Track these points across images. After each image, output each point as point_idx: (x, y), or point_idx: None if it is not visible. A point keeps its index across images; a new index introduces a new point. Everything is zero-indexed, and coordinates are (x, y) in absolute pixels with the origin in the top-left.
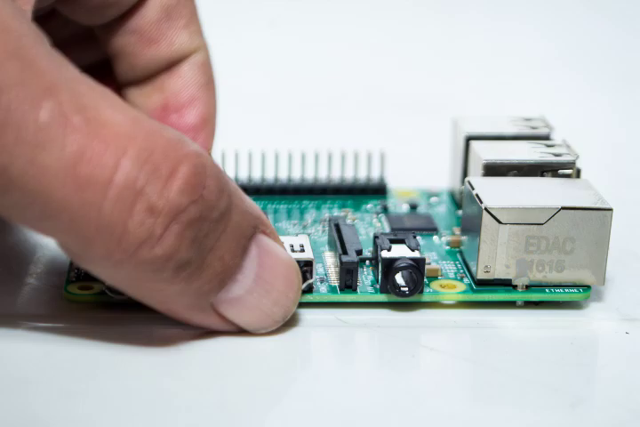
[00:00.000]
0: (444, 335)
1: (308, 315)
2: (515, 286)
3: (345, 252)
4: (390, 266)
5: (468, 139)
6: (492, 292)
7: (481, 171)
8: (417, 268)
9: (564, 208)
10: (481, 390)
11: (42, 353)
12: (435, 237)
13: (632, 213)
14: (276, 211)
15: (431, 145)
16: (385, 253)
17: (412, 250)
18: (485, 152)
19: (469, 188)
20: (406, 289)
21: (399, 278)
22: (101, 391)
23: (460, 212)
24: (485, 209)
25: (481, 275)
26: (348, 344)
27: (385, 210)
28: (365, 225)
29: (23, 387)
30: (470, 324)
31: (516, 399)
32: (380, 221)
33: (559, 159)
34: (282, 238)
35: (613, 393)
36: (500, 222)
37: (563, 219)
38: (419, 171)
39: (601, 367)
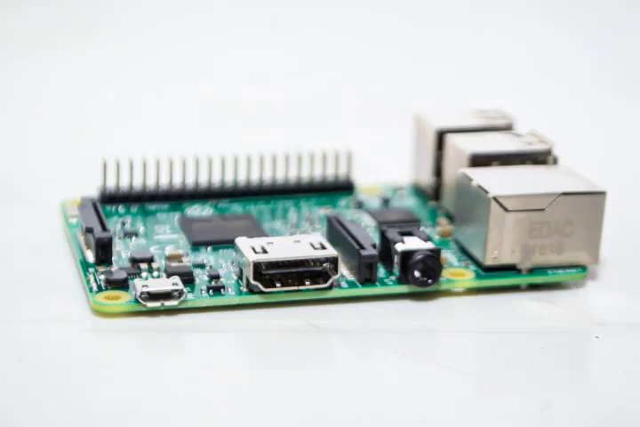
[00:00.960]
0: (414, 340)
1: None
2: (519, 270)
3: (362, 246)
4: (409, 258)
5: (440, 133)
6: (499, 277)
7: (466, 162)
8: (436, 258)
9: (564, 194)
10: (450, 394)
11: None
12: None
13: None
14: (260, 212)
15: (386, 142)
16: (401, 246)
17: (425, 241)
18: (468, 144)
19: (466, 179)
20: (428, 279)
21: (418, 269)
22: (133, 401)
23: (433, 203)
24: (494, 198)
25: (489, 261)
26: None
27: (360, 206)
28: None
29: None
30: (441, 328)
31: (486, 404)
32: (362, 217)
33: (538, 148)
34: (297, 237)
35: (584, 398)
36: (506, 210)
37: (562, 204)
38: (379, 167)
39: (571, 372)
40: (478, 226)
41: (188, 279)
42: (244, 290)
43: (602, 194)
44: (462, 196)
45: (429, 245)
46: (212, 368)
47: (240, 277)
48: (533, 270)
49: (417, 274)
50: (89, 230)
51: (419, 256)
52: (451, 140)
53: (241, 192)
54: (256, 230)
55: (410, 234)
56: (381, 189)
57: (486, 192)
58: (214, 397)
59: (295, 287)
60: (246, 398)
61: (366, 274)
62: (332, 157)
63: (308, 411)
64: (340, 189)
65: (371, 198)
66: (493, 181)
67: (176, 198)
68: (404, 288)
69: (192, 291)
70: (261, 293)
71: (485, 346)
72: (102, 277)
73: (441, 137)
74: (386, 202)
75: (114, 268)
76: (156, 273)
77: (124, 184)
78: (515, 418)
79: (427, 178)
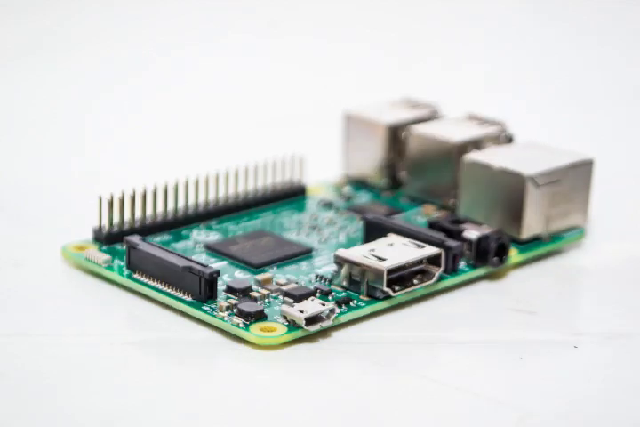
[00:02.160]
0: (390, 350)
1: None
2: (543, 239)
3: (436, 239)
4: (482, 243)
5: (394, 128)
6: (534, 248)
7: (452, 151)
8: (506, 238)
9: (571, 164)
10: (427, 403)
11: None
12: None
13: None
14: (255, 227)
15: (302, 141)
16: (470, 234)
17: (480, 225)
18: (444, 135)
19: (481, 165)
20: (503, 258)
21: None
22: None
23: (388, 193)
24: (529, 177)
25: (526, 235)
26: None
27: (330, 206)
28: (344, 222)
29: None
30: (421, 340)
31: (463, 413)
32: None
33: (496, 129)
34: (382, 242)
35: (560, 407)
36: (537, 186)
37: (570, 174)
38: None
39: (550, 381)
40: (507, 205)
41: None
42: (365, 299)
43: (591, 162)
44: (477, 181)
45: (490, 228)
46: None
47: (347, 289)
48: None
49: (495, 256)
50: (187, 269)
51: (494, 240)
52: (420, 131)
53: (222, 211)
54: (290, 243)
55: (458, 222)
56: (326, 189)
57: (517, 173)
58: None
59: (413, 287)
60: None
61: (453, 264)
62: (278, 164)
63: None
64: (297, 193)
65: (330, 198)
66: (508, 162)
67: (169, 227)
68: (482, 271)
69: None
70: (386, 298)
71: (464, 355)
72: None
73: (394, 131)
74: (348, 199)
75: (240, 301)
76: (265, 299)
77: (115, 221)
78: None
79: (375, 171)
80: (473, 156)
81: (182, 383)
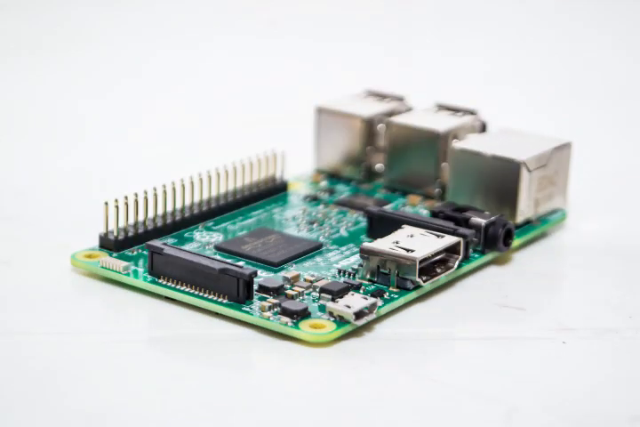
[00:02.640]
0: (381, 347)
1: None
2: (533, 222)
3: (447, 228)
4: (490, 229)
5: (369, 121)
6: (528, 231)
7: (436, 141)
8: (508, 224)
9: (554, 148)
10: (414, 398)
11: None
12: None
13: None
14: (250, 226)
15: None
16: (478, 221)
17: (482, 212)
18: (428, 125)
19: (471, 153)
20: (508, 242)
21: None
22: None
23: (365, 185)
24: (523, 163)
25: (520, 220)
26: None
27: (316, 200)
28: (337, 216)
29: None
30: (410, 336)
31: (450, 408)
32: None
33: (474, 117)
34: (402, 233)
35: (548, 401)
36: (529, 171)
37: (553, 158)
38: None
39: (538, 376)
40: (500, 191)
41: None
42: (395, 290)
43: (570, 145)
44: (467, 169)
45: (494, 215)
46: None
47: (373, 281)
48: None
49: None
50: (223, 271)
51: (501, 225)
52: (398, 123)
53: (215, 211)
54: (298, 239)
55: (462, 210)
56: (303, 184)
57: (511, 159)
58: None
59: (438, 276)
60: None
61: (466, 252)
62: (261, 162)
63: None
64: (280, 189)
65: (312, 193)
66: (497, 149)
67: (170, 231)
68: (489, 256)
69: None
70: (416, 288)
71: (452, 352)
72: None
73: (371, 124)
74: (332, 193)
75: (281, 300)
76: (300, 297)
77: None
78: (479, 422)
79: (351, 164)
80: (462, 144)
81: (247, 384)
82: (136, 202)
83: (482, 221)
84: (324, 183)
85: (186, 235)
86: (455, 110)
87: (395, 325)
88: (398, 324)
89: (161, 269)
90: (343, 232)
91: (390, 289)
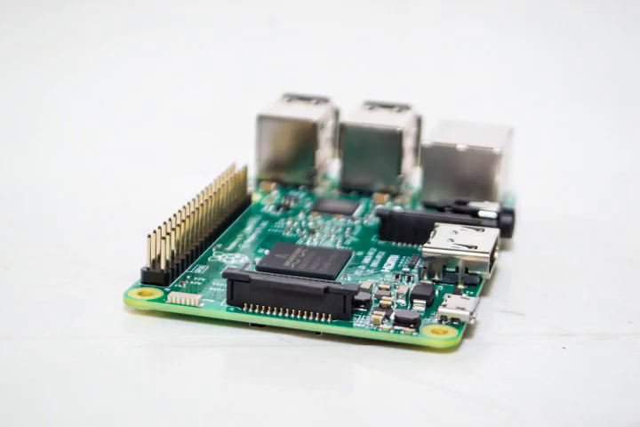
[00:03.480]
0: (372, 350)
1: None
2: None
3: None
4: (501, 218)
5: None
6: None
7: (397, 138)
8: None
9: (507, 135)
10: (412, 405)
11: None
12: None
13: None
14: (253, 244)
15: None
16: (487, 213)
17: (482, 202)
18: (385, 123)
19: (441, 145)
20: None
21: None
22: None
23: (318, 189)
24: (499, 151)
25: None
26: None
27: (291, 210)
28: (328, 222)
29: None
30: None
31: (449, 413)
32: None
33: (414, 112)
34: (442, 237)
35: (548, 407)
36: (501, 158)
37: (507, 143)
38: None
39: (537, 382)
40: (476, 182)
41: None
42: (463, 287)
43: (513, 129)
44: (440, 163)
45: (494, 205)
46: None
47: (438, 281)
48: None
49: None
50: (327, 290)
51: (509, 214)
52: (354, 124)
53: (215, 232)
54: (327, 249)
55: (462, 203)
56: (258, 194)
57: (486, 149)
58: None
59: (493, 267)
60: None
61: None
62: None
63: None
64: (247, 202)
65: (279, 202)
66: (464, 140)
67: (195, 257)
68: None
69: None
70: (480, 282)
71: (450, 356)
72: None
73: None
74: (296, 200)
75: (385, 311)
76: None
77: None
78: None
79: (300, 170)
80: (432, 139)
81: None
82: (167, 233)
83: (492, 212)
84: (275, 192)
85: (209, 259)
86: (389, 106)
87: None
88: None
89: (245, 296)
90: (354, 238)
91: (458, 286)
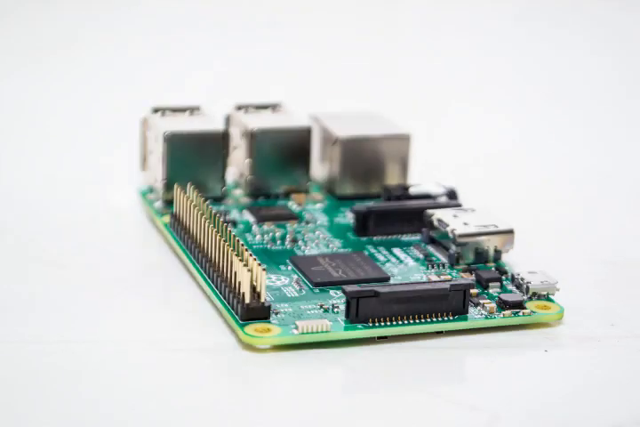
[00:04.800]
0: (357, 352)
1: None
2: None
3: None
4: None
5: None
6: None
7: (307, 139)
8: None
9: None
10: (396, 407)
11: None
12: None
13: None
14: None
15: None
16: (437, 191)
17: (421, 184)
18: (293, 125)
19: (356, 138)
20: None
21: None
22: None
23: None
24: (408, 135)
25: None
26: None
27: (235, 224)
28: (295, 229)
29: None
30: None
31: (431, 416)
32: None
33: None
34: (459, 221)
35: (529, 410)
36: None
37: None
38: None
39: (518, 384)
40: (391, 167)
41: None
42: (491, 264)
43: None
44: (356, 156)
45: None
46: None
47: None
48: None
49: None
50: (453, 288)
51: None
52: (264, 129)
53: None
54: (343, 255)
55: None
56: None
57: (401, 135)
58: None
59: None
60: None
61: None
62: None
63: None
64: None
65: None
66: (370, 130)
67: None
68: None
69: None
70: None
71: (433, 359)
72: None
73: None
74: (226, 213)
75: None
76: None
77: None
78: None
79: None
80: (346, 133)
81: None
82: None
83: (441, 191)
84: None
85: None
86: (263, 107)
87: None
88: None
89: (370, 311)
90: (340, 242)
91: (486, 265)
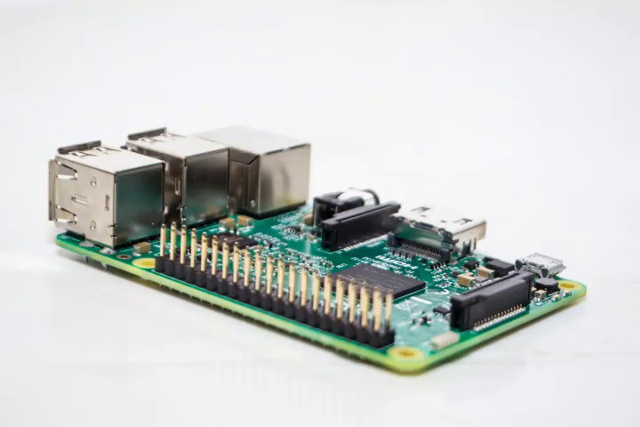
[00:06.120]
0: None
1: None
2: None
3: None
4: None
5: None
6: None
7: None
8: None
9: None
10: (384, 422)
11: None
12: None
13: None
14: None
15: None
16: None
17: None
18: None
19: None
20: None
21: None
22: None
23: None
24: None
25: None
26: None
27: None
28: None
29: None
30: None
31: None
32: None
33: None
34: (435, 218)
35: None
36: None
37: None
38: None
39: (510, 401)
40: (295, 179)
41: None
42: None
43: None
44: (271, 172)
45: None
46: None
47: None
48: None
49: None
50: (528, 278)
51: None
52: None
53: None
54: (356, 268)
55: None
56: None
57: (303, 144)
58: None
59: None
60: None
61: None
62: None
63: None
64: None
65: None
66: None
67: None
68: None
69: None
70: None
71: (424, 375)
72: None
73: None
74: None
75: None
76: None
77: None
78: None
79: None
80: (262, 150)
81: None
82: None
83: (367, 196)
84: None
85: None
86: (153, 133)
87: None
88: None
89: (476, 316)
90: (319, 257)
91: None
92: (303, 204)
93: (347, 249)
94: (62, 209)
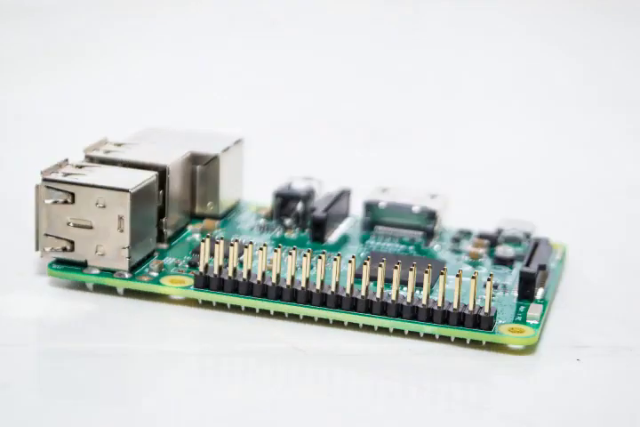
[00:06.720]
0: (366, 347)
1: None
2: None
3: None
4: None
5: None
6: None
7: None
8: None
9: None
10: (427, 413)
11: None
12: None
13: None
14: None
15: None
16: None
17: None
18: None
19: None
20: None
21: None
22: None
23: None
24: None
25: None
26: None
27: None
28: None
29: None
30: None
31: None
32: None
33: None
34: (403, 197)
35: (562, 419)
36: None
37: None
38: None
39: (550, 393)
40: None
41: None
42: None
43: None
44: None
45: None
46: None
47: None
48: None
49: None
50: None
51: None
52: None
53: None
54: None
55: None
56: None
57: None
58: None
59: None
60: None
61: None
62: None
63: None
64: None
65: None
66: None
67: None
68: None
69: None
70: None
71: (466, 367)
72: None
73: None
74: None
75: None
76: None
77: None
78: None
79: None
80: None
81: None
82: None
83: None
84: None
85: None
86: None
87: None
88: None
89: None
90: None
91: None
92: (238, 201)
93: (332, 240)
94: (55, 237)
